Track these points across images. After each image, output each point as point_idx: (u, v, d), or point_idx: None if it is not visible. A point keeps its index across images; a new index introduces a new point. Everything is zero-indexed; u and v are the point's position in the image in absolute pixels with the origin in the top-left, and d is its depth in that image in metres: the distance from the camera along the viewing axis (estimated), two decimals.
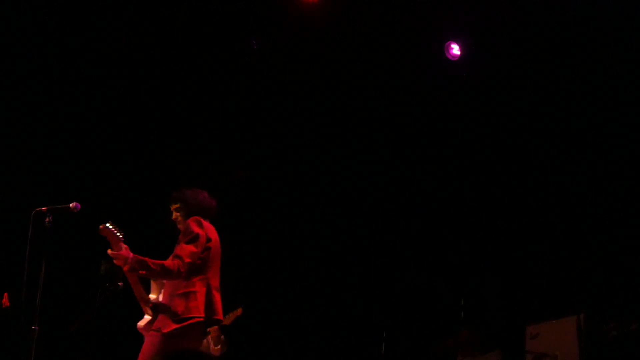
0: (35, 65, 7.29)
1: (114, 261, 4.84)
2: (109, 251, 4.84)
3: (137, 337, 5.21)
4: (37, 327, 4.86)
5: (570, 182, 7.77)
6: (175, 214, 5.37)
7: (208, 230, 5.25)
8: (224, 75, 7.79)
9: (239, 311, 7.15)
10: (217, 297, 5.21)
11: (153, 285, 5.28)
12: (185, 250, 5.05)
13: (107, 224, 4.83)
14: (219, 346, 7.09)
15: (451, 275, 8.45)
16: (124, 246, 4.85)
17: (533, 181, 7.97)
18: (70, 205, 5.12)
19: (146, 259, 4.92)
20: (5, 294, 5.72)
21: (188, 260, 5.02)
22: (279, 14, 7.04)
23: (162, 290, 5.15)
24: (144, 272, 4.93)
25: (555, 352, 7.01)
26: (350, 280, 8.72)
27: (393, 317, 8.09)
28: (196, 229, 5.15)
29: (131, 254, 4.84)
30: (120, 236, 4.86)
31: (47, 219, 4.94)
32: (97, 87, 7.69)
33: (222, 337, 7.12)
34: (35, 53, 7.22)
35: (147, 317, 5.15)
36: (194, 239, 5.12)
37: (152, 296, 5.19)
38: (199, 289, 5.08)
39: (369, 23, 6.92)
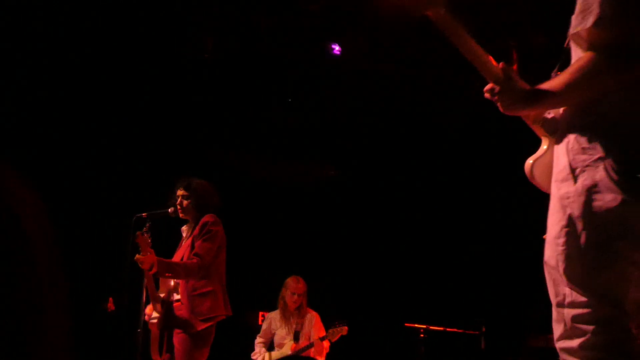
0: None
1: (141, 265, 4.97)
2: (137, 256, 4.98)
3: None
4: (141, 330, 5.11)
5: None
6: (180, 199, 5.41)
7: (220, 227, 5.33)
8: (308, 75, 7.74)
9: (345, 329, 6.82)
10: (226, 294, 5.32)
11: (161, 282, 5.35)
12: (204, 247, 5.15)
13: (144, 233, 5.02)
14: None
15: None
16: (150, 250, 4.98)
17: None
18: (169, 210, 5.40)
19: (169, 261, 5.09)
20: (110, 299, 5.91)
21: (207, 258, 5.15)
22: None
23: (179, 290, 5.23)
24: (169, 274, 5.10)
25: None
26: (448, 276, 8.59)
27: (492, 312, 7.88)
28: (214, 227, 5.25)
29: (155, 258, 4.97)
30: (150, 242, 5.02)
31: (146, 225, 5.16)
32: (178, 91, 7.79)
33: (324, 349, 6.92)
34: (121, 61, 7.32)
35: (156, 314, 5.21)
36: (213, 236, 5.22)
37: (161, 294, 5.28)
38: (216, 287, 5.22)
39: None
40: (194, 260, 5.10)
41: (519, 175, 2.64)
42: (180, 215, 5.45)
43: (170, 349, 5.10)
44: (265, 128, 8.25)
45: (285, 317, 7.04)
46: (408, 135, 8.33)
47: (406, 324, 7.02)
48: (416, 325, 6.97)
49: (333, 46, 7.05)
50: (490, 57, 2.29)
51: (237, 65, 7.54)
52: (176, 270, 5.06)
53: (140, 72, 7.45)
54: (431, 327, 7.01)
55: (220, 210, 5.48)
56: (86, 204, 7.34)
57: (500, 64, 2.30)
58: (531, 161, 2.58)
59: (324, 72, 7.54)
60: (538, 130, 2.59)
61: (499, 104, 2.30)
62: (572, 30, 2.23)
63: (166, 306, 5.18)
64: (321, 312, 7.17)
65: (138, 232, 4.98)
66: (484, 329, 7.05)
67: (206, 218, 5.31)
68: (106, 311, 5.93)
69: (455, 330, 7.12)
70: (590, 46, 2.20)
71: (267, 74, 7.56)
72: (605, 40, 2.16)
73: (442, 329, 7.08)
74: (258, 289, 7.62)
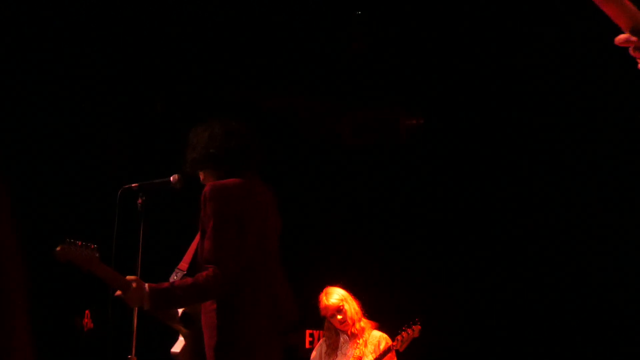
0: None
1: (128, 303, 3.26)
2: (117, 294, 3.28)
3: None
4: (134, 358, 3.68)
5: None
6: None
7: (243, 193, 3.41)
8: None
9: (417, 329, 4.96)
10: (286, 286, 3.48)
11: None
12: (217, 244, 3.29)
13: (66, 244, 3.16)
14: None
15: None
16: (132, 277, 3.24)
17: None
18: (171, 178, 3.81)
19: (167, 286, 3.32)
20: (87, 312, 4.59)
21: (230, 263, 3.26)
22: None
23: None
24: (172, 306, 3.44)
25: None
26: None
27: None
28: (216, 202, 3.33)
29: (146, 287, 3.22)
30: (96, 255, 3.21)
31: (139, 200, 3.80)
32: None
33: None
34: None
35: (181, 340, 3.62)
36: (221, 219, 3.32)
37: None
38: (253, 283, 3.37)
39: None
40: (209, 271, 3.25)
41: None
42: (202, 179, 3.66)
43: None
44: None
45: (333, 346, 5.16)
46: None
47: None
48: None
49: None
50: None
51: None
52: (183, 298, 3.29)
53: None
54: None
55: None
56: (53, 172, 5.75)
57: None
58: None
59: None
60: None
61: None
62: None
63: (193, 325, 3.49)
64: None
65: (58, 248, 3.12)
66: None
67: (207, 191, 3.38)
68: (80, 329, 4.56)
69: None
70: None
71: None
72: None
73: None
74: (303, 300, 5.63)
